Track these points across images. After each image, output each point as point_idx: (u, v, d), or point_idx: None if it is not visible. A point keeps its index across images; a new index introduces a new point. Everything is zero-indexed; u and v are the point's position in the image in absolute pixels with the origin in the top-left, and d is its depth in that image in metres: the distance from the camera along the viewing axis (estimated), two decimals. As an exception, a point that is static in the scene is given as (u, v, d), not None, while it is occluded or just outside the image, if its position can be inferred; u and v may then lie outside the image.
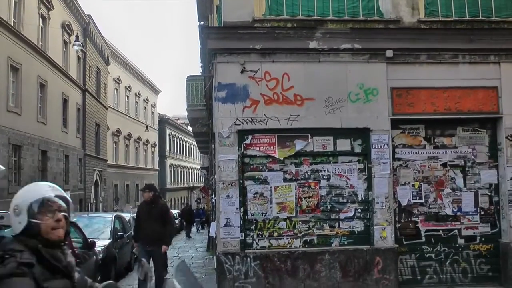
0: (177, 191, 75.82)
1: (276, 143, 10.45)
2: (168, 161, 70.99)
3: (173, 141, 75.16)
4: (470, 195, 10.86)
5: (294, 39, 10.50)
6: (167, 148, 70.92)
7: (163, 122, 70.29)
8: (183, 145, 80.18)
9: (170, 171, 72.37)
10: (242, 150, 10.38)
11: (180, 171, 78.39)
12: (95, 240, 12.71)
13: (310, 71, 10.56)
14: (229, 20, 10.56)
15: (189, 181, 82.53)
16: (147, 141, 62.66)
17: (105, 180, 44.35)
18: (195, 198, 69.94)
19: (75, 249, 9.97)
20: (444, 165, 10.85)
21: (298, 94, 10.49)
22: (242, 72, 10.41)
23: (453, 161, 10.88)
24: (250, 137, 10.41)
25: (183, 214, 39.47)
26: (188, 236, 33.93)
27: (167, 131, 71.23)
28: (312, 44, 10.49)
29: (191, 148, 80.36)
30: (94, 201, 40.31)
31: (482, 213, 10.88)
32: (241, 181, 10.31)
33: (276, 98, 10.46)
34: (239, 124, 10.35)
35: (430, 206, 10.77)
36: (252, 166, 10.48)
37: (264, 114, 10.39)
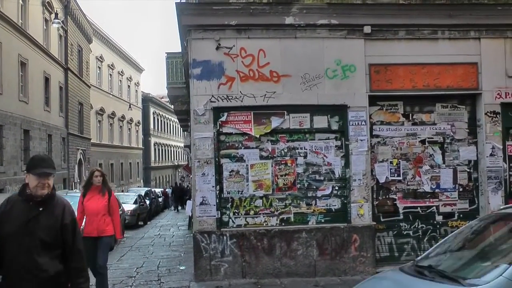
0: (162, 170, 75.71)
1: (252, 121, 10.31)
2: (153, 140, 70.70)
3: (157, 119, 74.77)
4: (448, 172, 10.81)
5: (270, 15, 10.31)
6: (151, 126, 70.55)
7: (147, 100, 69.83)
8: (167, 123, 79.81)
9: (155, 149, 72.14)
10: (218, 128, 10.24)
11: (165, 150, 78.16)
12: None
13: (287, 47, 10.40)
14: (204, -5, 10.33)
15: (173, 159, 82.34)
16: (131, 119, 62.27)
17: (89, 159, 44.05)
18: (179, 176, 69.85)
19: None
20: (423, 141, 10.76)
21: (274, 71, 10.33)
22: (217, 48, 10.24)
23: (432, 138, 10.80)
24: (225, 114, 10.27)
25: (175, 191, 42.45)
26: (176, 210, 39.41)
27: (151, 110, 70.80)
28: (289, 20, 10.31)
29: (175, 126, 79.96)
30: (78, 180, 40.02)
31: (461, 189, 10.85)
32: (217, 159, 10.18)
33: (252, 75, 10.30)
34: (215, 101, 10.19)
35: (408, 183, 10.71)
36: (228, 144, 10.34)
37: (240, 91, 10.24)
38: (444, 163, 10.79)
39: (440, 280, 4.46)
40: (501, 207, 5.18)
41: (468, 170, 10.87)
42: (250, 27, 10.33)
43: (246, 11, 10.23)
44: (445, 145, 10.82)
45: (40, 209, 4.05)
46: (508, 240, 5.07)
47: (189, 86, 16.10)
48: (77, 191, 24.16)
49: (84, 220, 8.85)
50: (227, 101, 10.23)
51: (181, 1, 11.61)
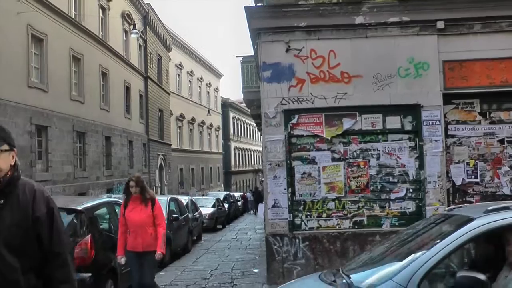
0: (242, 174, 76.41)
1: (323, 122, 10.22)
2: (233, 144, 71.50)
3: (237, 124, 75.60)
4: (530, 172, 10.29)
5: (340, 15, 10.19)
6: (231, 131, 71.41)
7: (226, 105, 70.77)
8: (247, 128, 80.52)
9: (235, 154, 72.91)
10: (289, 130, 10.22)
11: (245, 154, 78.86)
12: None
13: (357, 47, 10.25)
14: (273, -2, 10.37)
15: (254, 163, 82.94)
16: (211, 125, 63.29)
17: (169, 164, 45.10)
18: (260, 180, 70.30)
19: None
20: (501, 141, 10.27)
21: (345, 72, 10.21)
22: (287, 51, 10.23)
23: (511, 137, 10.31)
24: (296, 116, 10.23)
25: (256, 195, 42.16)
26: (255, 213, 38.17)
27: (231, 115, 71.67)
28: (359, 19, 10.16)
29: (255, 130, 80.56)
30: (159, 185, 41.10)
31: (544, 192, 10.29)
32: (288, 161, 10.16)
33: (322, 76, 10.22)
34: (285, 104, 10.18)
35: (487, 186, 10.24)
36: (299, 146, 10.30)
37: (311, 93, 10.18)
38: (525, 163, 10.29)
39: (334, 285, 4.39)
40: (451, 207, 4.77)
41: (552, 169, 10.32)
42: (320, 28, 10.25)
43: (315, 12, 10.17)
44: (526, 144, 10.31)
45: (0, 201, 2.92)
46: (415, 243, 4.73)
47: (262, 89, 16.13)
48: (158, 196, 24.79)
49: (128, 233, 8.03)
50: (298, 103, 10.20)
51: (252, 5, 11.71)
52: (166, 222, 12.84)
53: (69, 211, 8.42)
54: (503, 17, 10.12)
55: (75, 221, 8.35)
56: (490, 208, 4.39)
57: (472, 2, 10.13)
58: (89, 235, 8.16)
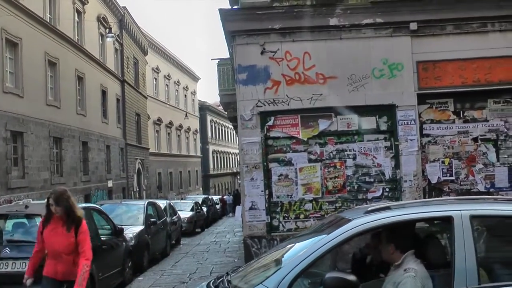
0: (221, 177, 76.24)
1: (300, 124, 10.27)
2: (211, 147, 71.32)
3: (215, 127, 75.43)
4: (503, 170, 10.41)
5: (314, 17, 10.24)
6: (209, 134, 71.21)
7: (204, 109, 70.57)
8: (225, 131, 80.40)
9: (213, 157, 72.73)
10: (265, 132, 10.25)
11: (223, 157, 78.72)
12: (127, 226, 12.87)
13: (332, 48, 10.32)
14: (247, 1, 10.38)
15: (232, 166, 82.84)
16: (189, 128, 63.11)
17: (147, 168, 44.87)
18: (238, 183, 70.23)
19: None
20: (475, 139, 10.41)
21: (320, 73, 10.27)
22: (262, 53, 10.26)
23: (485, 135, 10.43)
24: (272, 118, 10.26)
25: (235, 198, 41.30)
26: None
27: (208, 118, 71.48)
28: (333, 21, 10.23)
29: (233, 133, 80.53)
30: (137, 189, 40.87)
31: (518, 187, 10.45)
32: (265, 163, 10.18)
33: (297, 78, 10.27)
34: (261, 106, 10.21)
35: (462, 183, 10.38)
36: (275, 148, 10.33)
37: (286, 95, 10.22)
38: (498, 161, 10.39)
39: None
40: (369, 208, 4.74)
41: (525, 167, 10.47)
42: (295, 30, 10.30)
43: (290, 14, 10.21)
44: (499, 142, 10.43)
45: None
46: (293, 247, 4.60)
47: (238, 92, 16.14)
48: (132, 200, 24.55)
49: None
50: (274, 105, 10.23)
51: (226, 7, 11.72)
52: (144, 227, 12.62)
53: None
54: (474, 18, 10.27)
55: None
56: (370, 208, 4.41)
57: (444, 4, 10.27)
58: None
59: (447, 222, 4.09)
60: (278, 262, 4.33)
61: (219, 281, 4.50)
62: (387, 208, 4.44)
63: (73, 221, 6.41)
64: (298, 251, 4.15)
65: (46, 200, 6.53)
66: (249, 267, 4.80)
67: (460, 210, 4.09)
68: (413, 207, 4.54)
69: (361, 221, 4.12)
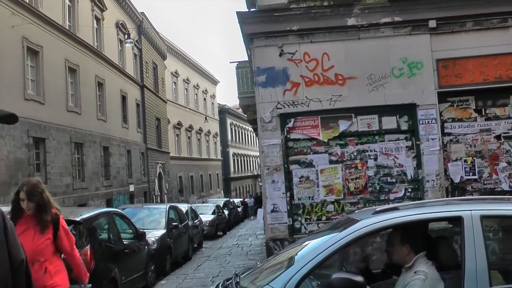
0: (242, 180, 76.33)
1: (320, 125, 10.22)
2: (231, 150, 71.44)
3: (235, 130, 75.56)
4: (528, 168, 10.29)
5: (332, 17, 10.21)
6: (229, 137, 71.35)
7: (224, 112, 70.74)
8: (245, 133, 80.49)
9: (234, 160, 72.84)
10: (285, 134, 10.22)
11: (243, 160, 78.80)
12: (149, 230, 12.94)
13: (350, 49, 10.26)
14: (264, 3, 10.38)
15: (253, 169, 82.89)
16: (209, 131, 63.28)
17: (168, 172, 45.07)
18: (259, 186, 70.19)
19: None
20: (498, 137, 10.28)
21: (339, 74, 10.22)
22: (280, 55, 10.25)
23: (508, 133, 10.28)
24: (292, 120, 10.24)
25: (257, 200, 41.73)
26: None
27: (228, 121, 71.64)
28: (351, 21, 10.18)
29: (253, 136, 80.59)
30: (159, 193, 41.07)
31: (543, 186, 10.29)
32: (286, 165, 10.16)
33: (316, 79, 10.23)
34: (281, 108, 10.19)
35: (485, 182, 10.24)
36: (296, 150, 10.30)
37: (306, 96, 10.19)
38: (522, 159, 10.28)
39: None
40: (377, 209, 4.62)
41: (550, 164, 10.31)
42: (312, 31, 10.27)
43: (307, 15, 10.18)
44: (523, 139, 10.31)
45: None
46: (302, 247, 4.49)
47: (257, 94, 16.15)
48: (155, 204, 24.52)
49: None
50: (293, 107, 10.21)
51: (244, 10, 11.72)
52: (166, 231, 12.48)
53: (67, 222, 8.41)
54: (494, 14, 10.14)
55: (73, 232, 8.34)
56: (378, 209, 4.36)
57: (463, 0, 10.15)
58: (88, 245, 8.14)
59: (457, 222, 4.03)
60: (285, 263, 4.28)
61: (228, 282, 4.47)
62: (395, 208, 4.38)
63: (47, 220, 5.30)
64: (306, 252, 4.13)
65: (15, 194, 5.40)
66: (258, 268, 4.77)
67: (470, 210, 3.99)
68: (422, 207, 4.47)
69: (369, 221, 4.06)
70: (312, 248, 4.08)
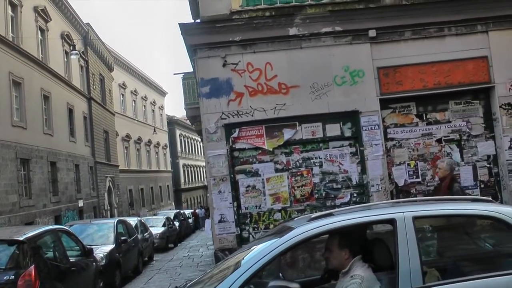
0: (193, 191, 75.86)
1: (264, 134, 10.31)
2: (181, 162, 70.97)
3: (184, 141, 75.14)
4: (468, 169, 10.61)
5: (274, 28, 10.33)
6: (179, 148, 70.89)
7: (172, 123, 70.24)
8: (194, 144, 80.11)
9: (184, 171, 72.36)
10: (231, 144, 10.27)
11: (194, 170, 78.39)
12: (97, 246, 12.71)
13: (293, 58, 10.41)
14: (207, 14, 10.43)
15: (203, 179, 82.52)
16: (158, 143, 62.68)
17: (118, 185, 44.40)
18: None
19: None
20: (439, 141, 10.60)
21: (283, 83, 10.34)
22: (223, 65, 10.31)
23: (448, 136, 10.63)
24: (237, 130, 10.29)
25: (207, 211, 39.80)
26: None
27: (177, 132, 71.20)
28: (292, 31, 10.32)
29: (202, 146, 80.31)
30: (109, 208, 40.39)
31: (482, 186, 10.63)
32: (232, 175, 10.19)
33: (260, 89, 10.32)
34: (225, 118, 10.23)
35: (428, 184, 10.52)
36: (242, 160, 10.34)
37: (250, 106, 10.26)
38: (462, 160, 10.60)
39: None
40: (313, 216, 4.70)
41: (488, 165, 10.65)
42: (255, 41, 10.37)
43: (250, 26, 10.27)
44: (462, 142, 10.63)
45: None
46: (239, 258, 4.50)
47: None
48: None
49: None
50: (238, 117, 10.26)
51: (186, 22, 11.69)
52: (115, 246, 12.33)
53: (10, 242, 8.23)
54: (430, 23, 10.51)
55: (17, 252, 8.15)
56: (313, 216, 4.40)
57: (400, 11, 10.48)
58: (33, 265, 7.94)
59: (390, 224, 4.10)
60: (223, 273, 4.26)
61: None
62: (330, 214, 4.41)
63: None
64: (243, 261, 4.12)
65: None
66: (203, 277, 4.73)
67: (403, 212, 4.11)
68: (356, 211, 4.56)
69: (303, 229, 4.07)
70: (249, 258, 4.07)
